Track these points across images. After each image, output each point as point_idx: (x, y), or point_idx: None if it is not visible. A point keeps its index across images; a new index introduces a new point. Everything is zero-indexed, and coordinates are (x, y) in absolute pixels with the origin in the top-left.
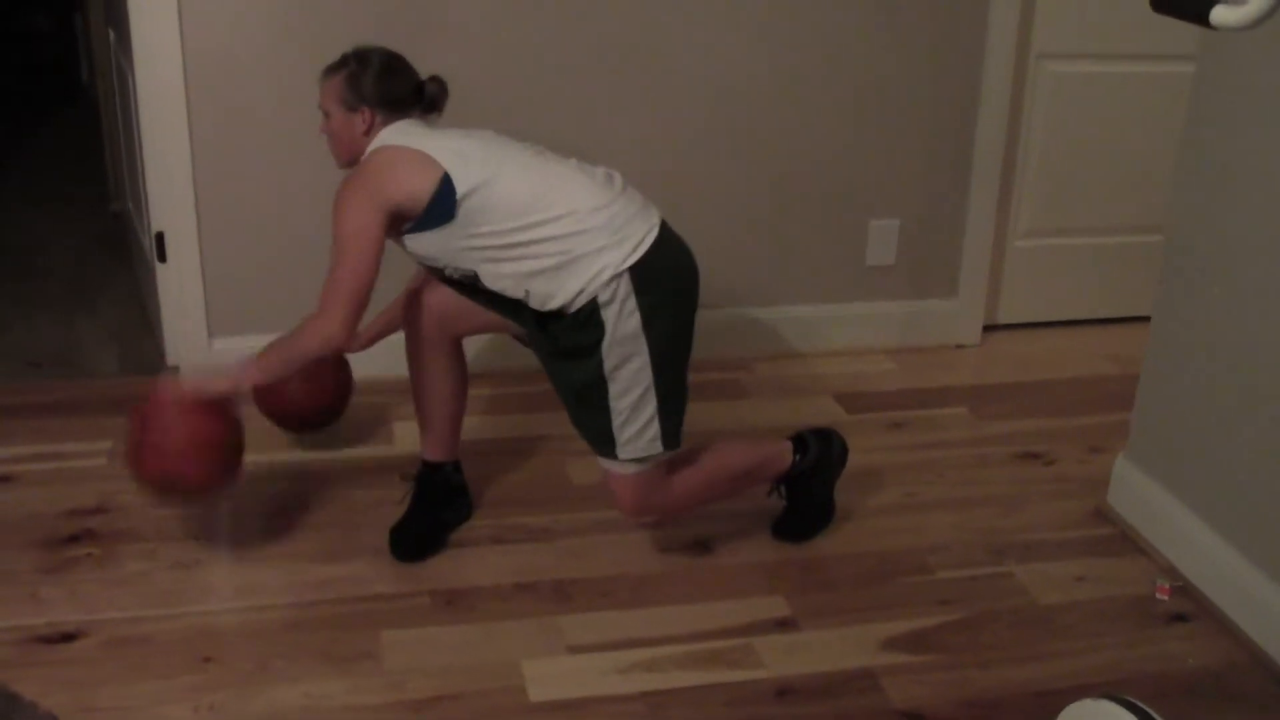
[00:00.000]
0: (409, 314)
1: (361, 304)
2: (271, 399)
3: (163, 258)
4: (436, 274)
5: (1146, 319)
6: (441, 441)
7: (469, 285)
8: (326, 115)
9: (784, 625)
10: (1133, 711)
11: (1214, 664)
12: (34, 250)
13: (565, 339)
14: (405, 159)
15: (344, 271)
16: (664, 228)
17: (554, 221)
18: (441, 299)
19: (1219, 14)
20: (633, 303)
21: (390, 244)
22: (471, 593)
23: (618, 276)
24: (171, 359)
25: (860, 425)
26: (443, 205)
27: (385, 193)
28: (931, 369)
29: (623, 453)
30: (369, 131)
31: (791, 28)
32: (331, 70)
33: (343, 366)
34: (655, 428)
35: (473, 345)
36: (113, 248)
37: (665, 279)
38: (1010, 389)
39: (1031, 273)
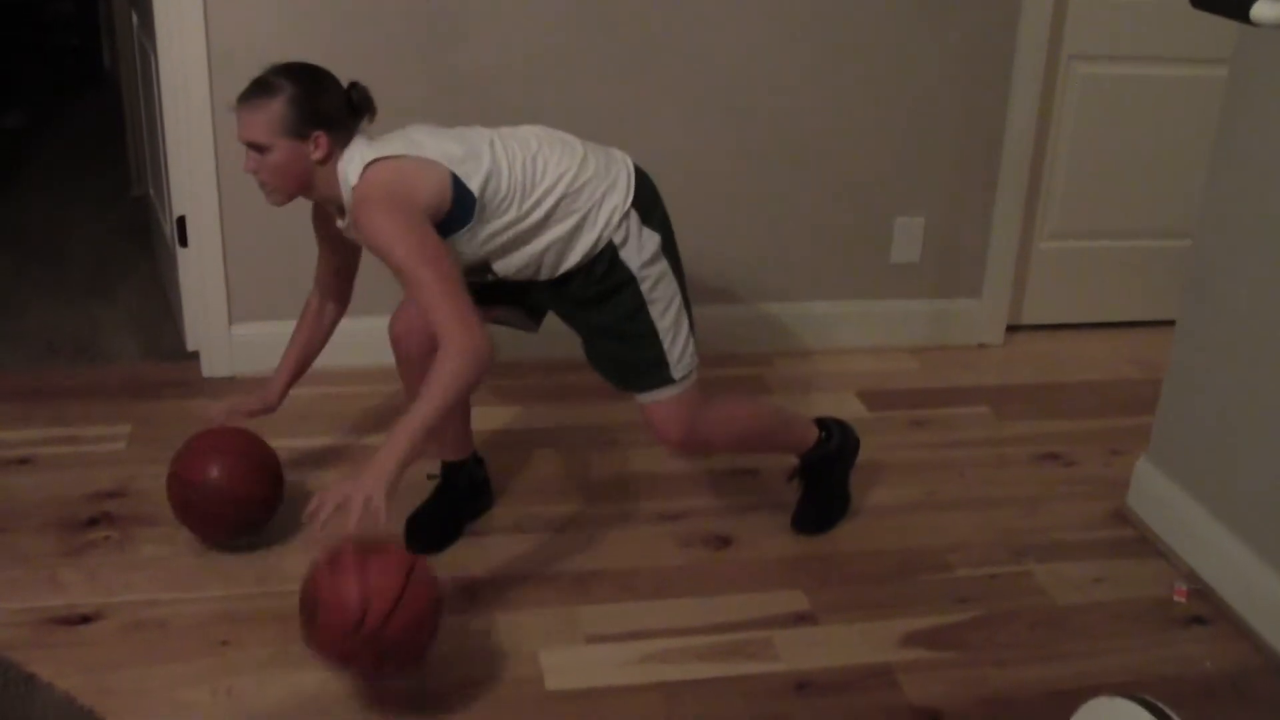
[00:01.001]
0: (398, 346)
1: (470, 303)
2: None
3: (184, 242)
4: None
5: (1171, 324)
6: (457, 443)
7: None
8: (261, 149)
9: (802, 619)
10: (1150, 710)
11: (1230, 668)
12: (55, 235)
13: (591, 288)
14: (409, 168)
15: (437, 288)
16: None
17: (555, 187)
18: (416, 314)
19: (1260, 10)
20: (645, 230)
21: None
22: (491, 582)
23: (625, 216)
24: (192, 344)
25: (882, 423)
26: (463, 207)
27: (415, 201)
28: (954, 368)
29: (677, 371)
30: (326, 158)
31: (822, 25)
32: (257, 97)
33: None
34: (691, 340)
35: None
36: (134, 233)
37: (653, 197)
38: (1032, 390)
39: (1056, 274)
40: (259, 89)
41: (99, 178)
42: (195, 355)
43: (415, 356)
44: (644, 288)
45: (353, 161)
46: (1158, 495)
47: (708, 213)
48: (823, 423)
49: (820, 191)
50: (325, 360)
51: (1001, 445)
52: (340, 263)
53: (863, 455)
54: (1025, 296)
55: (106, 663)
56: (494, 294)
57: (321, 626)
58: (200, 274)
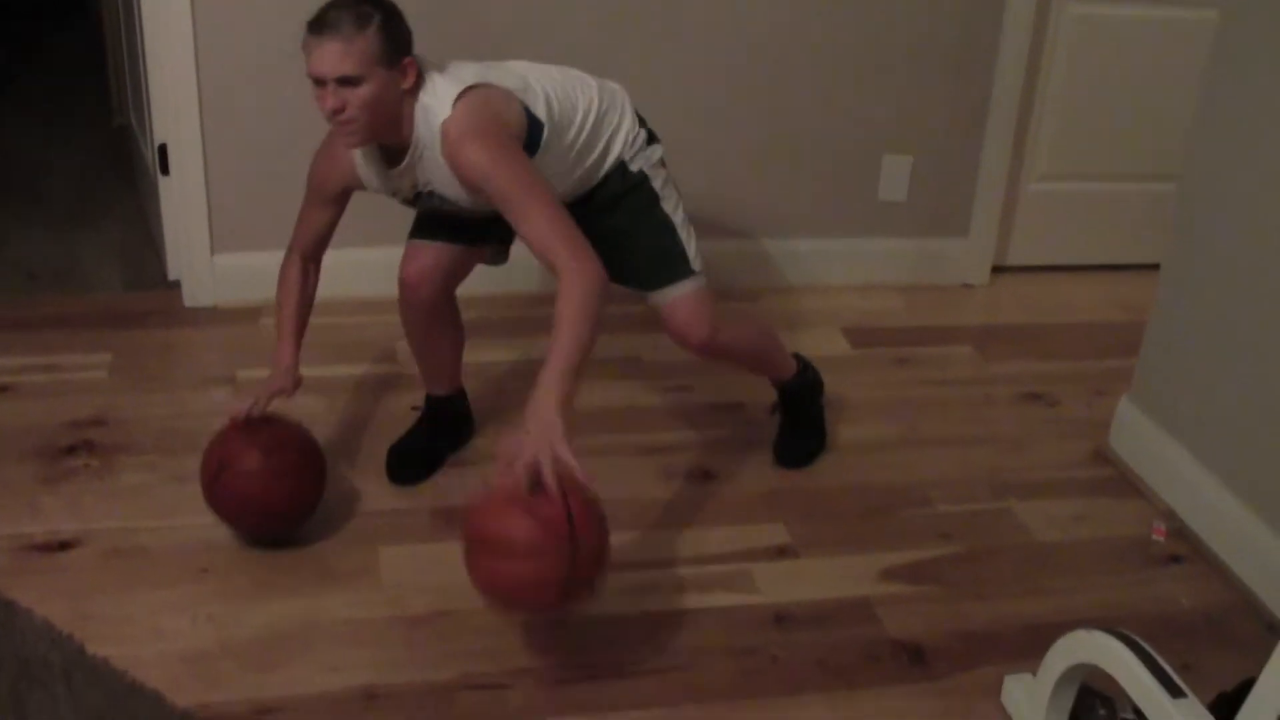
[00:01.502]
0: (412, 293)
1: (577, 227)
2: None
3: (165, 170)
4: (442, 219)
5: (1156, 268)
6: (447, 379)
7: (478, 220)
8: (355, 82)
9: (783, 553)
10: (1126, 644)
11: (1206, 606)
12: (36, 166)
13: (605, 195)
14: (496, 97)
15: (547, 215)
16: None
17: (588, 117)
18: (432, 262)
19: None
20: (651, 144)
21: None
22: None
23: (635, 135)
24: (173, 273)
25: (866, 360)
26: (533, 138)
27: (509, 129)
28: (939, 307)
29: (695, 263)
30: (414, 86)
31: None
32: (349, 25)
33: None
34: (695, 238)
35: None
36: (116, 163)
37: (642, 120)
38: (1017, 330)
39: (1043, 216)
40: (350, 16)
41: (80, 107)
42: (177, 285)
43: (426, 303)
44: (655, 184)
45: (437, 92)
46: (1139, 436)
47: (697, 149)
48: (796, 355)
49: (809, 129)
50: None
51: (985, 384)
52: (330, 227)
53: (846, 392)
54: (1012, 238)
55: (86, 589)
56: (484, 232)
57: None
58: (182, 203)
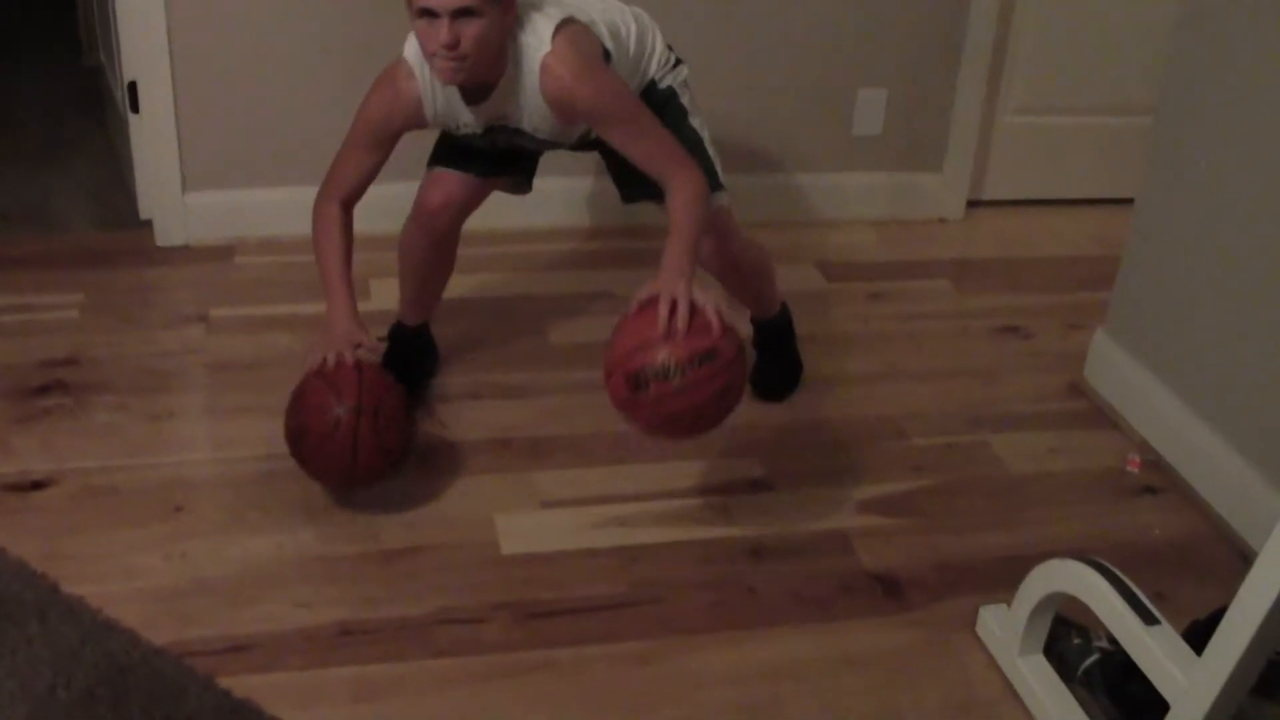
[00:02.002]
0: (434, 219)
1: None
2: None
3: (135, 108)
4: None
5: (1130, 201)
6: (428, 309)
7: (514, 153)
8: (469, 14)
9: (758, 486)
10: (1101, 572)
11: (1180, 535)
12: (6, 105)
13: None
14: (583, 30)
15: (658, 133)
16: None
17: (631, 44)
18: (456, 190)
19: None
20: (678, 65)
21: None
22: (446, 447)
23: (667, 57)
24: (145, 212)
25: (841, 294)
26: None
27: (602, 58)
28: (914, 241)
29: (723, 179)
30: (514, 23)
31: None
32: None
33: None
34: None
35: None
36: (87, 103)
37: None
38: (992, 264)
39: (1018, 150)
40: None
41: (51, 47)
42: (148, 224)
43: (440, 231)
44: (683, 100)
45: (536, 29)
46: (1113, 368)
47: None
48: None
49: (782, 63)
50: (275, 229)
51: (960, 318)
52: (377, 170)
53: (821, 326)
54: (987, 172)
55: (59, 528)
56: (503, 162)
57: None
58: (152, 141)
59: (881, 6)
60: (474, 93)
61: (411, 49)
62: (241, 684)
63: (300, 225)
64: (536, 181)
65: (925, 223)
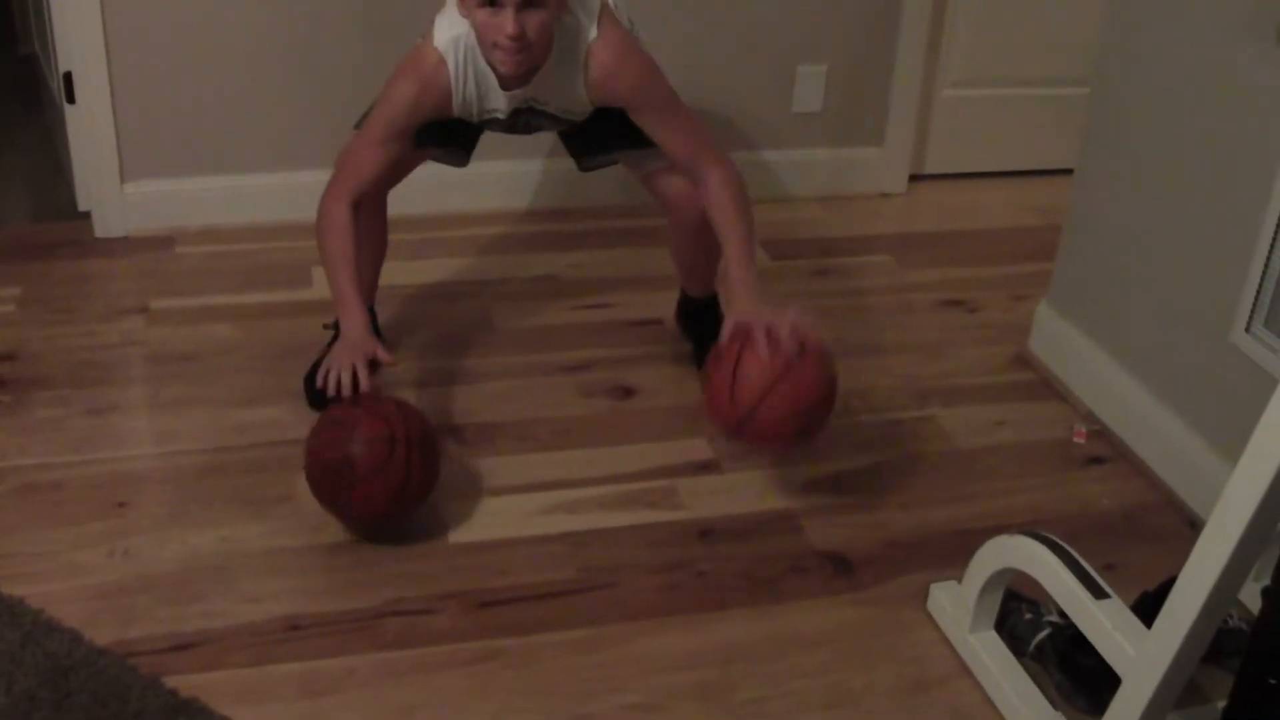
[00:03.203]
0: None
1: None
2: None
3: (71, 99)
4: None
5: (1070, 172)
6: (368, 289)
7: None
8: (533, 4)
9: (705, 468)
10: (1048, 546)
11: (1127, 504)
12: None
13: None
14: (618, 18)
15: (692, 123)
16: None
17: (627, 19)
18: (384, 160)
19: None
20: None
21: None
22: None
23: (631, 24)
24: (83, 204)
25: (785, 271)
26: None
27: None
28: (857, 217)
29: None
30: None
31: None
32: None
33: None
34: None
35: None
36: (22, 92)
37: None
38: (935, 238)
39: (959, 123)
40: None
41: None
42: (87, 215)
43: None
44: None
45: (581, 13)
46: (1058, 339)
47: None
48: None
49: (721, 40)
50: (216, 218)
51: (904, 292)
52: (400, 163)
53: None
54: (928, 146)
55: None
56: (448, 133)
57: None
58: (89, 131)
59: None
60: (512, 78)
61: (443, 36)
62: (188, 682)
63: (241, 214)
64: (476, 165)
65: (867, 198)
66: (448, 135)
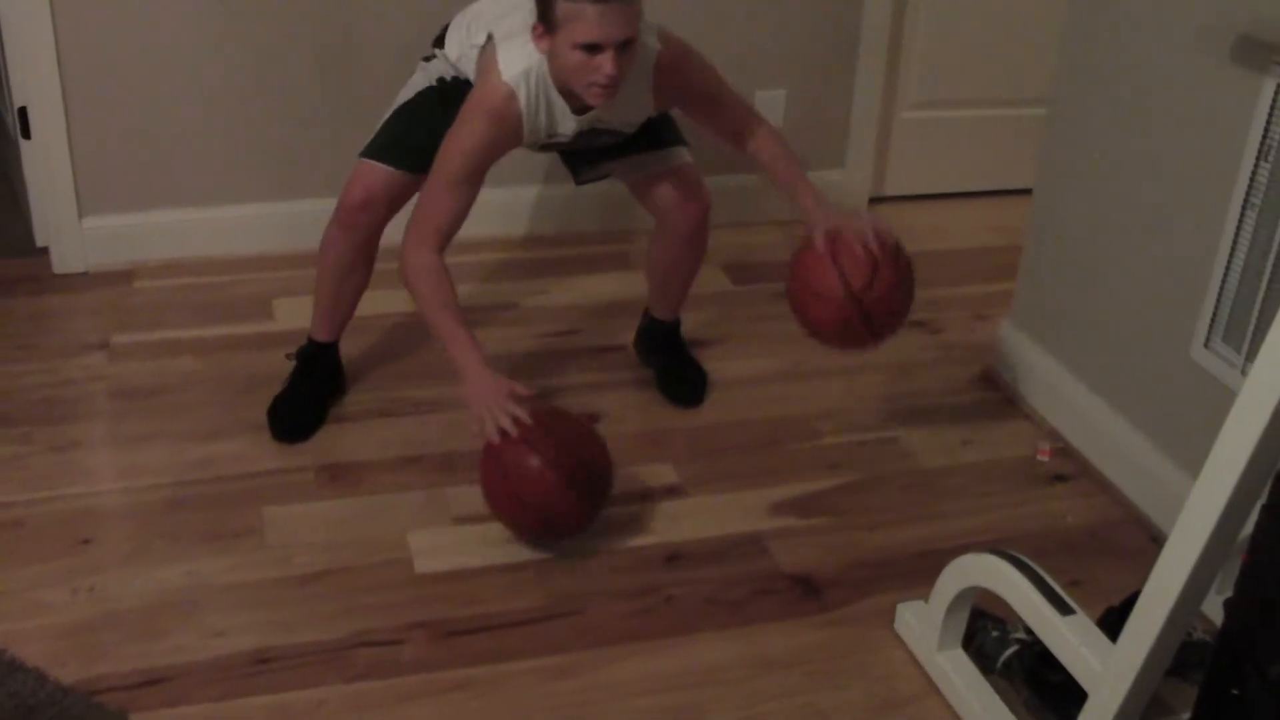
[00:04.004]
0: (346, 219)
1: None
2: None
3: (26, 134)
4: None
5: (1030, 192)
6: (340, 323)
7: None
8: (626, 45)
9: (672, 492)
10: (1013, 564)
11: (1091, 521)
12: None
13: None
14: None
15: (737, 94)
16: None
17: None
18: (372, 186)
19: None
20: None
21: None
22: (357, 466)
23: None
24: (41, 239)
25: (748, 295)
26: None
27: None
28: None
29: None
30: None
31: None
32: None
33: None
34: None
35: None
36: None
37: None
38: None
39: (918, 144)
40: None
41: None
42: (45, 250)
43: (365, 231)
44: None
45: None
46: (1020, 358)
47: None
48: None
49: None
50: (175, 252)
51: None
52: (470, 208)
53: (729, 329)
54: (888, 167)
55: None
56: None
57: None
58: (46, 166)
59: (777, 7)
60: (580, 103)
61: (513, 70)
62: (156, 718)
63: (202, 247)
64: None
65: None
66: None
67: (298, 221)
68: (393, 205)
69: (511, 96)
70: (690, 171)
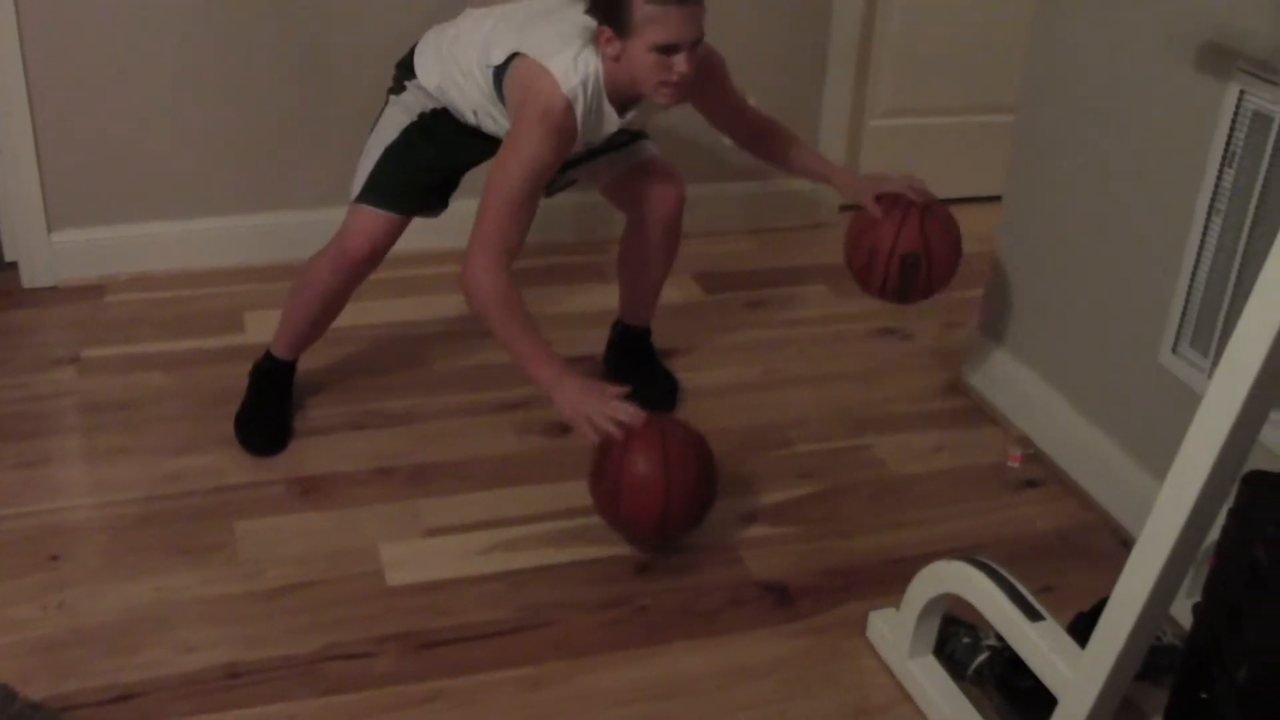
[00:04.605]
0: (348, 269)
1: None
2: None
3: None
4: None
5: (999, 199)
6: (304, 347)
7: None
8: (696, 44)
9: None
10: (983, 570)
11: (1061, 526)
12: None
13: None
14: None
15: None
16: None
17: None
18: (376, 236)
19: None
20: None
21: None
22: (328, 479)
23: None
24: (9, 254)
25: (720, 305)
26: None
27: None
28: (791, 248)
29: None
30: None
31: None
32: None
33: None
34: None
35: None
36: None
37: None
38: None
39: (888, 152)
40: None
41: None
42: (14, 265)
43: (362, 276)
44: None
45: None
46: (990, 364)
47: None
48: None
49: None
50: (146, 265)
51: (839, 322)
52: None
53: (701, 339)
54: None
55: None
56: (442, 190)
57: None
58: (14, 180)
59: (744, 15)
60: (629, 104)
61: (571, 81)
62: None
63: (171, 260)
64: None
65: (801, 229)
66: (442, 189)
67: (267, 234)
68: (390, 247)
69: (569, 108)
70: (661, 160)
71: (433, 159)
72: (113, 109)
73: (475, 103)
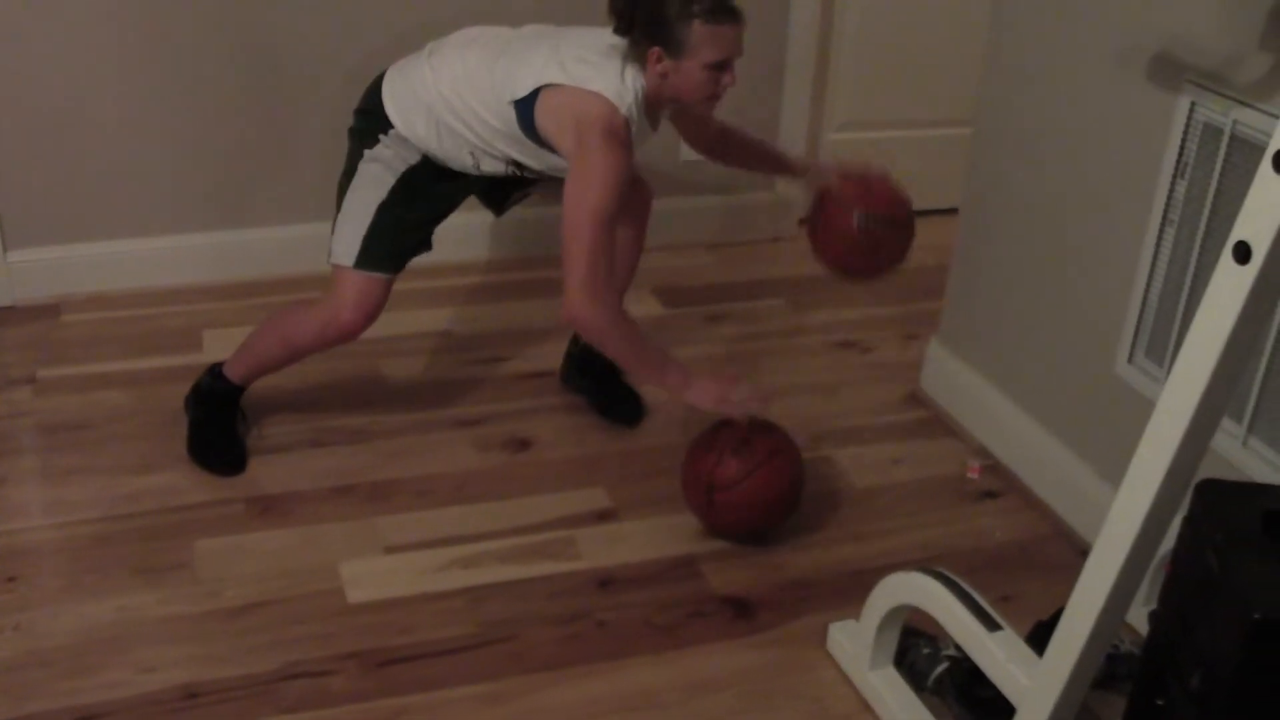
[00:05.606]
0: (337, 335)
1: None
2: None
3: None
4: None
5: (956, 211)
6: (261, 374)
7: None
8: (733, 63)
9: (604, 517)
10: (941, 581)
11: (1020, 536)
12: None
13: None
14: None
15: None
16: None
17: None
18: (373, 305)
19: None
20: None
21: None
22: (287, 498)
23: None
24: None
25: (679, 319)
26: None
27: None
28: (750, 262)
29: None
30: None
31: None
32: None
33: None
34: None
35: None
36: None
37: None
38: (827, 280)
39: None
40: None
41: None
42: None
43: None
44: None
45: None
46: (949, 376)
47: None
48: None
49: None
50: (103, 284)
51: (798, 335)
52: None
53: None
54: None
55: None
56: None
57: None
58: None
59: None
60: (658, 116)
61: (626, 100)
62: None
63: (128, 279)
64: None
65: (759, 242)
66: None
67: (225, 252)
68: (384, 305)
69: (629, 124)
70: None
71: (426, 216)
72: (68, 129)
73: (478, 143)
